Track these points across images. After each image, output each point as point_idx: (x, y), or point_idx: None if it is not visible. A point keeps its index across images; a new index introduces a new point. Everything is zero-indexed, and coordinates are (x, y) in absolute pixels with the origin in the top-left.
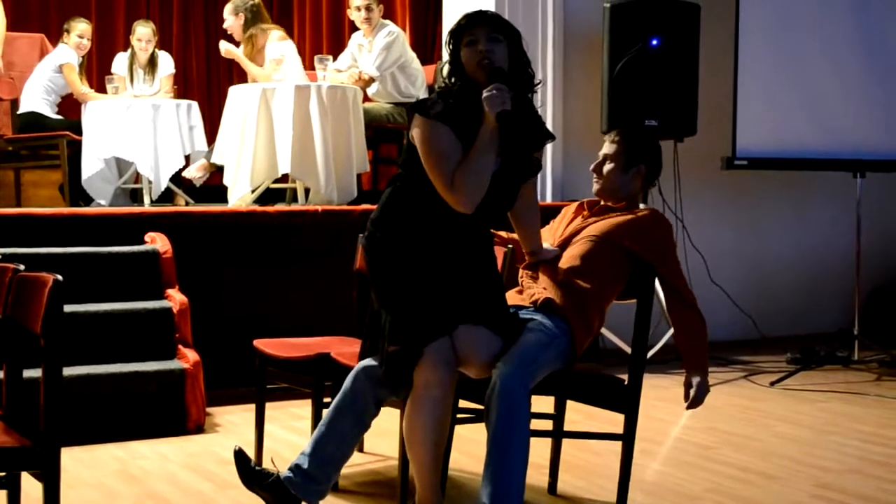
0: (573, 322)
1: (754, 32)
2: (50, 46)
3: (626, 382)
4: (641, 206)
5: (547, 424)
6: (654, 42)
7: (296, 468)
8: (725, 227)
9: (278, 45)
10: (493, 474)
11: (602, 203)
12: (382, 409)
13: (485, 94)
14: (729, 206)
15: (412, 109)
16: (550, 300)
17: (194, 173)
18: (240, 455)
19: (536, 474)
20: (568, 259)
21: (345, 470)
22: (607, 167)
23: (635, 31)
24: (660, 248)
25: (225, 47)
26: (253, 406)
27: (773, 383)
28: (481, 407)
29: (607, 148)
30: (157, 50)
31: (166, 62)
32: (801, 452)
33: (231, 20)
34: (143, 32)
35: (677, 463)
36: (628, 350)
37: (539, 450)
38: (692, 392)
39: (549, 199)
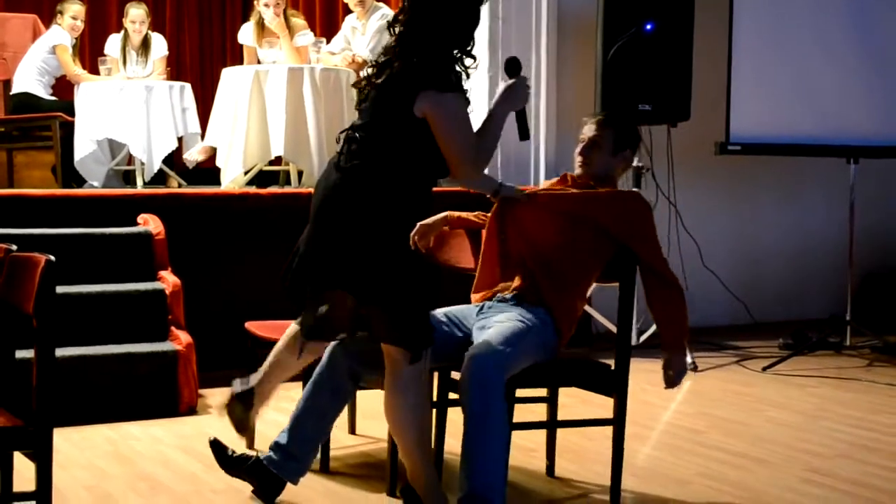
0: (555, 312)
1: (749, 18)
2: (43, 27)
3: (612, 367)
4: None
5: (541, 408)
6: (648, 27)
7: (275, 446)
8: (719, 213)
9: (309, 34)
10: (469, 460)
11: (584, 181)
12: (373, 391)
13: (514, 85)
14: (722, 191)
15: (429, 86)
16: (528, 291)
17: (195, 156)
18: (216, 445)
19: (532, 458)
20: (544, 239)
21: (336, 452)
22: (595, 151)
23: (629, 16)
24: (637, 225)
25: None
26: None
27: (765, 368)
28: None
29: (592, 131)
30: (150, 32)
31: (159, 44)
32: (792, 437)
33: None
34: (136, 14)
35: (669, 447)
36: (612, 328)
37: (533, 434)
38: (670, 373)
39: (542, 182)
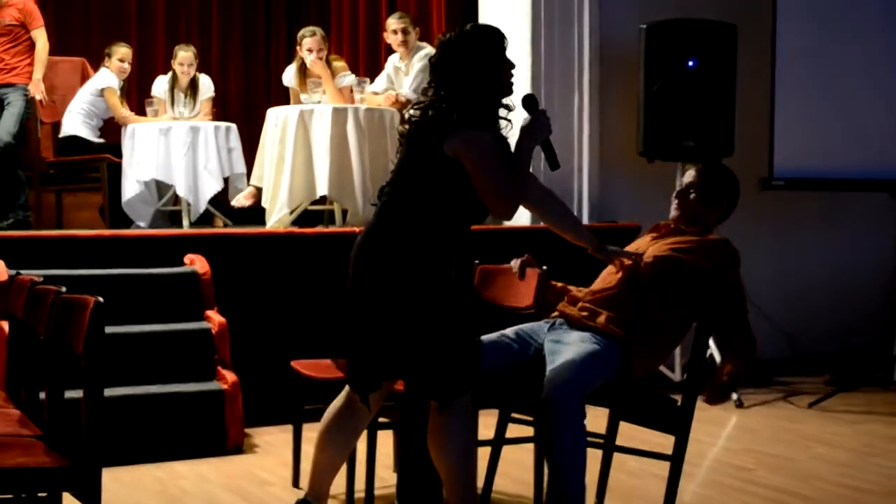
0: (631, 346)
1: (791, 52)
2: (91, 70)
3: (678, 403)
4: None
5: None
6: (691, 63)
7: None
8: (763, 247)
9: (350, 76)
10: (560, 487)
11: (676, 227)
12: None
13: (533, 119)
14: (767, 225)
15: (458, 125)
16: (601, 325)
17: (242, 201)
18: None
19: None
20: (635, 275)
21: (361, 483)
22: (692, 196)
23: (671, 52)
24: (735, 277)
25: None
26: (290, 427)
27: (811, 405)
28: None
29: (691, 177)
30: (198, 73)
31: (207, 85)
32: (840, 474)
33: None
34: (184, 56)
35: (715, 484)
36: (668, 374)
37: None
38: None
39: (585, 221)
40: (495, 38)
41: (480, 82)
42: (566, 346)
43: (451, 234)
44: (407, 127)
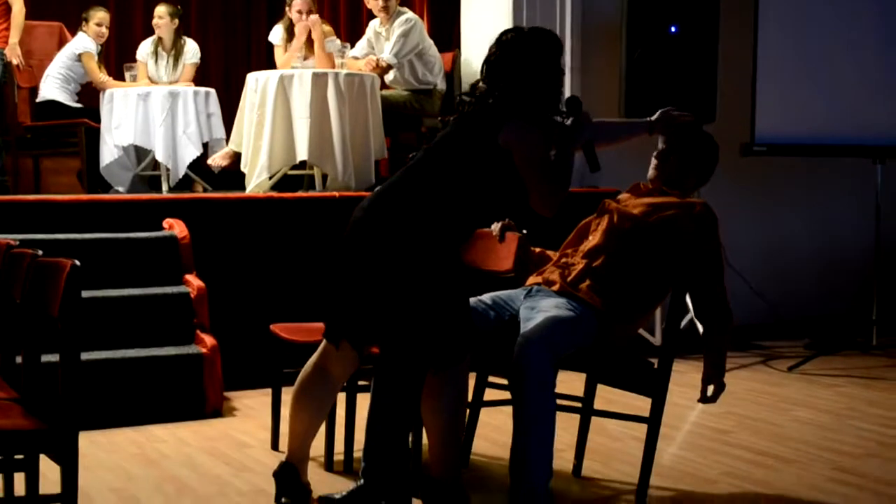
0: (611, 316)
1: (774, 18)
2: (69, 35)
3: (655, 366)
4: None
5: (574, 406)
6: (673, 29)
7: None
8: (744, 213)
9: (336, 41)
10: (521, 444)
11: (654, 187)
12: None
13: (577, 122)
14: (748, 191)
15: (518, 121)
16: (575, 287)
17: (219, 161)
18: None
19: (559, 459)
20: (613, 236)
21: (341, 446)
22: (671, 159)
23: (653, 18)
24: (712, 240)
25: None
26: (269, 390)
27: (790, 368)
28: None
29: (672, 140)
30: (185, 38)
31: (193, 51)
32: (819, 437)
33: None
34: (158, 10)
35: (694, 447)
36: (648, 337)
37: (559, 433)
38: (709, 392)
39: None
40: (554, 43)
41: (538, 85)
42: (540, 312)
43: (471, 218)
44: (459, 108)
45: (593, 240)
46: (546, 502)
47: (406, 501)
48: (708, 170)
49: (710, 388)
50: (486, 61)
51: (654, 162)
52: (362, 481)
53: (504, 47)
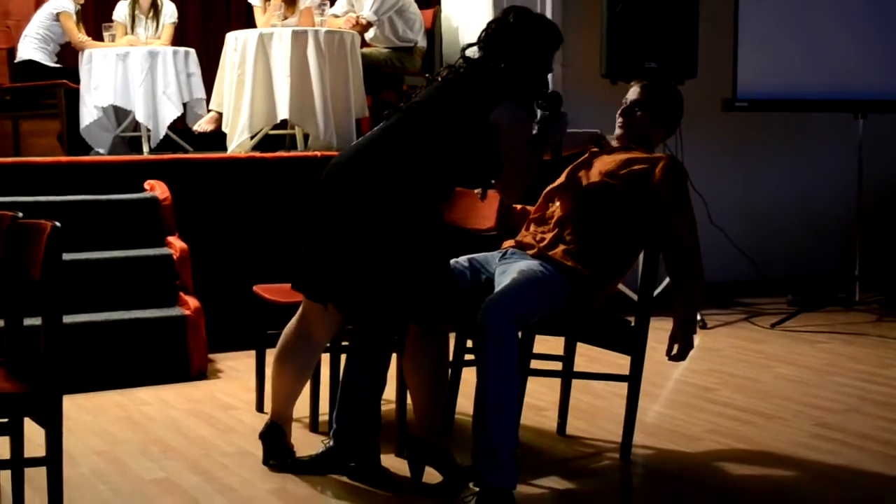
0: (588, 279)
1: None
2: None
3: (632, 324)
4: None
5: (555, 366)
6: None
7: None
8: (726, 170)
9: None
10: (482, 412)
11: (621, 144)
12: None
13: (556, 118)
14: (730, 148)
15: (514, 97)
16: (549, 252)
17: (205, 126)
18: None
19: (542, 417)
20: (582, 197)
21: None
22: (637, 114)
23: None
24: (680, 193)
25: None
26: (254, 352)
27: (773, 325)
28: None
29: (636, 95)
30: None
31: (171, 11)
32: (802, 393)
33: None
34: None
35: (678, 405)
36: (630, 295)
37: (543, 392)
38: (675, 349)
39: None
40: (557, 38)
41: (536, 71)
42: (509, 275)
43: (451, 180)
44: (446, 73)
45: (562, 205)
46: (509, 468)
47: (375, 462)
48: (674, 121)
49: (676, 347)
50: (491, 33)
51: (619, 120)
52: (331, 442)
53: (511, 28)
